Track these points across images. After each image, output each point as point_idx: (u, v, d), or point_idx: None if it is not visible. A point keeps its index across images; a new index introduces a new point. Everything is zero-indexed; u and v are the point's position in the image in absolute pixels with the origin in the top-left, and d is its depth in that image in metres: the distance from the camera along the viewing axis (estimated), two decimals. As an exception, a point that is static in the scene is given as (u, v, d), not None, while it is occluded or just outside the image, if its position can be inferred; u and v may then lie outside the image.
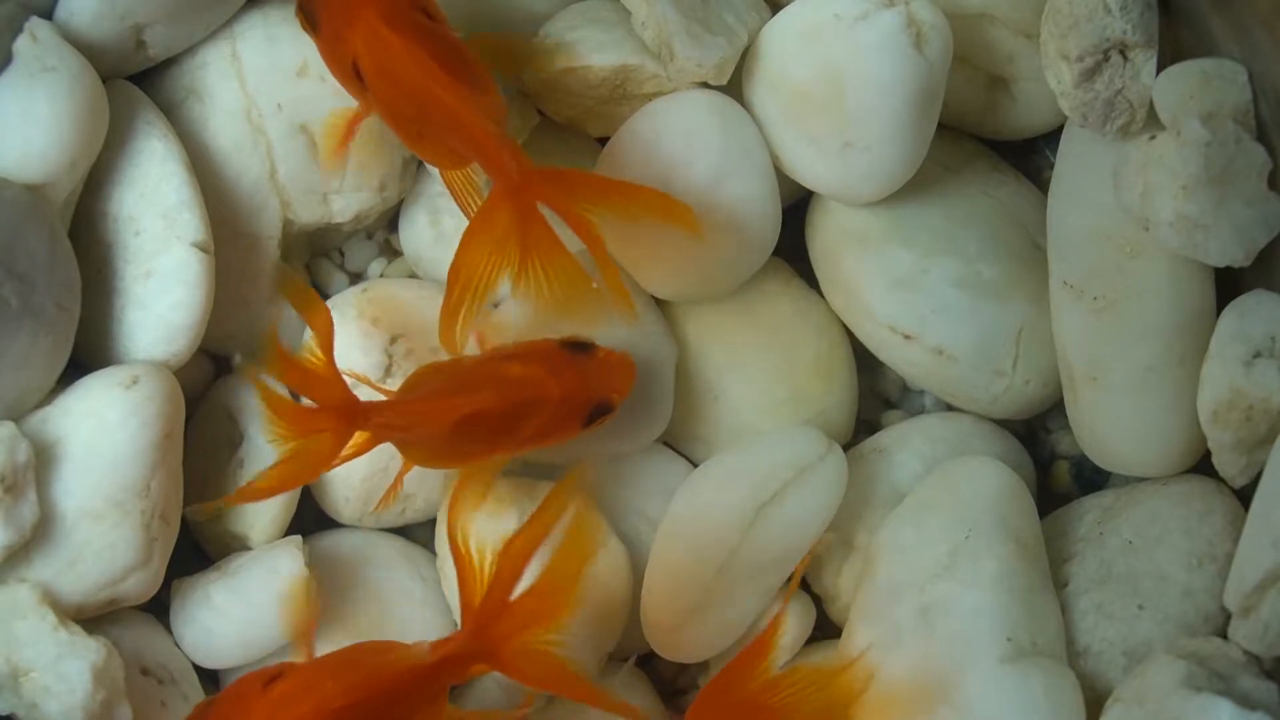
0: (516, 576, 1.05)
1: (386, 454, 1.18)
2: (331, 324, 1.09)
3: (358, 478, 1.24)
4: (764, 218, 1.25)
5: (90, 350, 1.21)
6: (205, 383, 1.28)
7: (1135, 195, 1.17)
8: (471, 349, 1.18)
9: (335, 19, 1.13)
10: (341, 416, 1.08)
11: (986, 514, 1.19)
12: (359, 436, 1.11)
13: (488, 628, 1.05)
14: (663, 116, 1.24)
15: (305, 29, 1.17)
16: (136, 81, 1.25)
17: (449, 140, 1.11)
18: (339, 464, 1.12)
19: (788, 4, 1.24)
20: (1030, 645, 1.15)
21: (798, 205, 1.30)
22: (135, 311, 1.21)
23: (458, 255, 1.10)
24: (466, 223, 1.12)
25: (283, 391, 1.11)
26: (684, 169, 1.22)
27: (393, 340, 1.25)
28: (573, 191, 1.09)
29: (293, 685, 1.02)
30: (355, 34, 1.11)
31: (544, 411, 1.12)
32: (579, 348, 1.15)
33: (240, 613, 1.18)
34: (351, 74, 1.13)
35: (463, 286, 1.09)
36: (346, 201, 1.27)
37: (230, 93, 1.25)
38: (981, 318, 1.25)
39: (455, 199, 1.18)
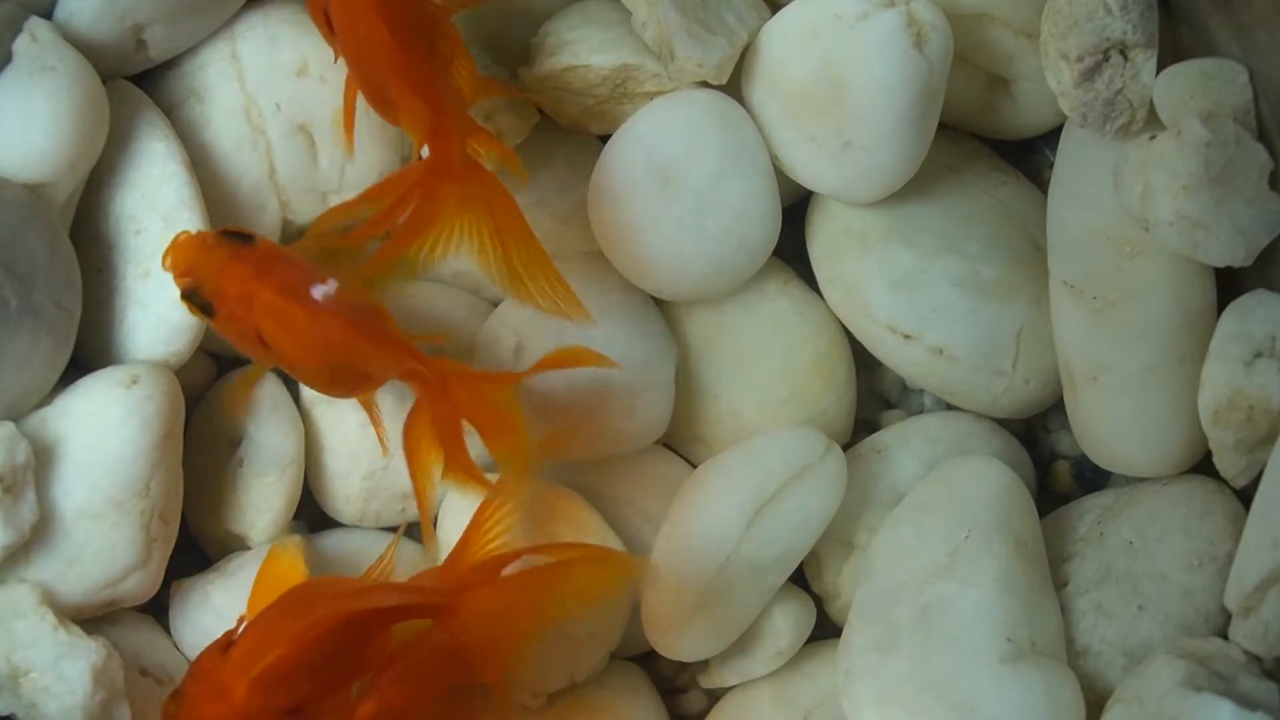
0: (479, 545, 1.07)
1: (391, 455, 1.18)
2: None
3: (358, 477, 1.24)
4: (764, 218, 1.24)
5: (90, 350, 1.21)
6: (205, 382, 1.28)
7: (1135, 195, 1.17)
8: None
9: None
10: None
11: (986, 514, 1.19)
12: None
13: (453, 591, 1.05)
14: (663, 116, 1.24)
15: None
16: (137, 82, 1.25)
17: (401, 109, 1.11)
18: None
19: (788, 4, 1.24)
20: (1030, 645, 1.15)
21: (798, 205, 1.30)
22: (136, 311, 1.21)
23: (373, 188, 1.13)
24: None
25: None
26: (684, 169, 1.22)
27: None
28: (495, 195, 1.09)
29: (249, 641, 1.02)
30: None
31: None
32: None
33: (239, 613, 1.18)
34: (323, 20, 1.14)
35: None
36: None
37: (230, 93, 1.25)
38: (982, 318, 1.25)
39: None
